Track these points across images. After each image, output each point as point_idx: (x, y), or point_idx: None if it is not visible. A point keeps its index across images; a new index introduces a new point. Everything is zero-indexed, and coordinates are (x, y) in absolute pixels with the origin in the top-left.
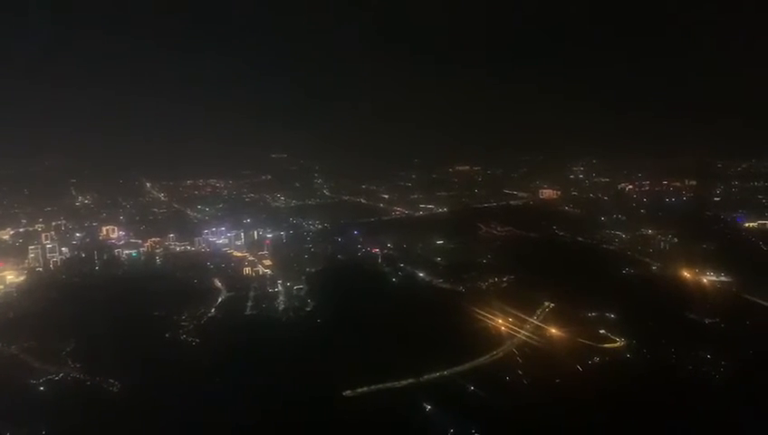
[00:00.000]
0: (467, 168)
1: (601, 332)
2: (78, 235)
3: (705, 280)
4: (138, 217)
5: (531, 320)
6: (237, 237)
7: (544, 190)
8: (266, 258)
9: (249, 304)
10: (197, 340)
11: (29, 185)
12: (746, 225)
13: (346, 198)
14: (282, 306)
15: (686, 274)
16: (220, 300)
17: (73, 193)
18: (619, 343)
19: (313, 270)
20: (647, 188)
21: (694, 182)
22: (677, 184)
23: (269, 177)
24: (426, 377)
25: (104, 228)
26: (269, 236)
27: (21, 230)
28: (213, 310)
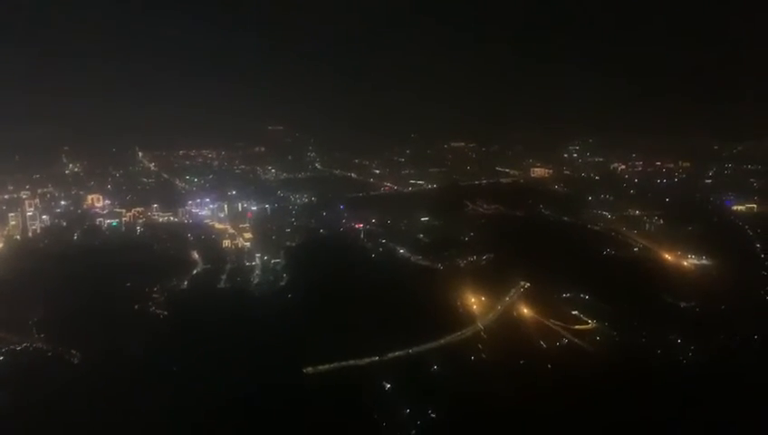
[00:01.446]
0: (462, 144)
1: (574, 313)
2: (63, 203)
3: (685, 263)
4: (125, 187)
5: (504, 299)
6: (221, 209)
7: (536, 169)
8: (247, 231)
9: (223, 277)
10: (165, 312)
11: (21, 151)
12: (734, 208)
13: (337, 171)
14: (256, 280)
15: (668, 256)
16: (195, 272)
17: (64, 161)
18: (591, 324)
19: (293, 244)
20: (639, 168)
21: (687, 163)
22: (670, 165)
23: (262, 149)
24: (390, 355)
25: (89, 197)
26: (253, 208)
27: (6, 197)
28: (186, 282)
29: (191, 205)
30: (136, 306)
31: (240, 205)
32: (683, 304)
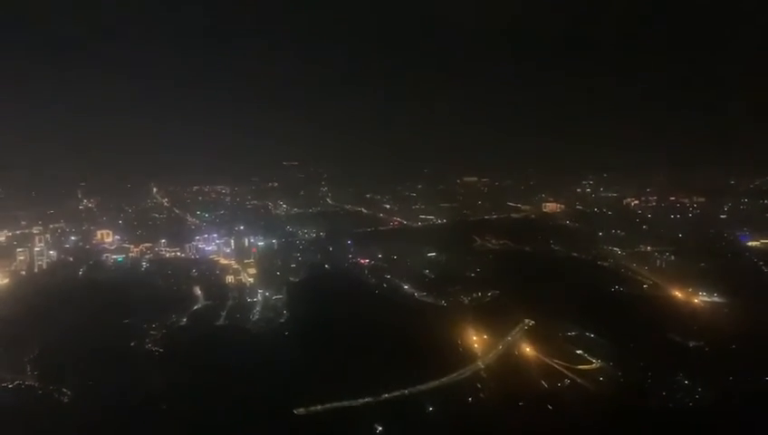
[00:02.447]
0: (475, 179)
1: (578, 352)
2: (73, 238)
3: (696, 300)
4: (136, 222)
5: (506, 337)
6: (227, 245)
7: (548, 204)
8: (251, 266)
9: (223, 313)
10: (161, 350)
11: (38, 187)
12: (749, 243)
13: (348, 207)
14: (255, 317)
15: (678, 293)
16: (195, 308)
17: (79, 196)
18: (595, 364)
19: (297, 280)
20: (653, 203)
21: (702, 199)
22: (685, 200)
23: (276, 184)
24: (385, 396)
25: (99, 232)
26: (260, 244)
27: (18, 232)
28: (185, 319)
29: (198, 240)
30: (132, 343)
31: (247, 240)
32: (692, 344)
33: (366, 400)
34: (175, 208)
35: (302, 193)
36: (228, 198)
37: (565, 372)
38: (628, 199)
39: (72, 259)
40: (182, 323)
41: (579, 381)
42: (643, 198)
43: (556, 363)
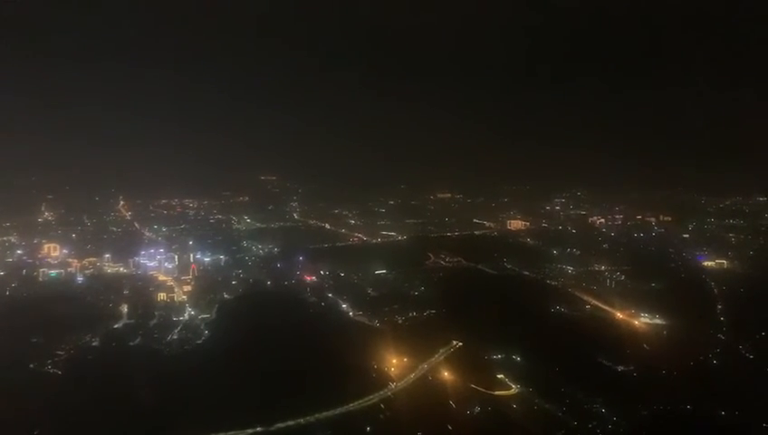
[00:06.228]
0: (449, 195)
1: (499, 377)
2: (18, 252)
3: (636, 322)
4: (89, 236)
5: (428, 360)
6: (169, 260)
7: (513, 221)
8: (188, 283)
9: (141, 332)
10: (60, 372)
11: (2, 200)
12: (705, 263)
13: (312, 222)
14: (174, 337)
15: (619, 314)
16: (114, 327)
17: (42, 209)
18: (513, 390)
19: (231, 297)
20: (618, 222)
21: (668, 218)
22: (651, 219)
23: (246, 198)
24: (278, 425)
25: (46, 246)
26: (207, 259)
27: None
28: (98, 338)
29: (143, 255)
30: (31, 365)
31: (192, 256)
32: (620, 368)
33: (255, 430)
34: (135, 222)
35: (270, 208)
36: (193, 212)
37: (480, 398)
38: (594, 218)
39: (2, 273)
40: (94, 344)
41: (490, 408)
42: (609, 217)
43: (473, 389)
